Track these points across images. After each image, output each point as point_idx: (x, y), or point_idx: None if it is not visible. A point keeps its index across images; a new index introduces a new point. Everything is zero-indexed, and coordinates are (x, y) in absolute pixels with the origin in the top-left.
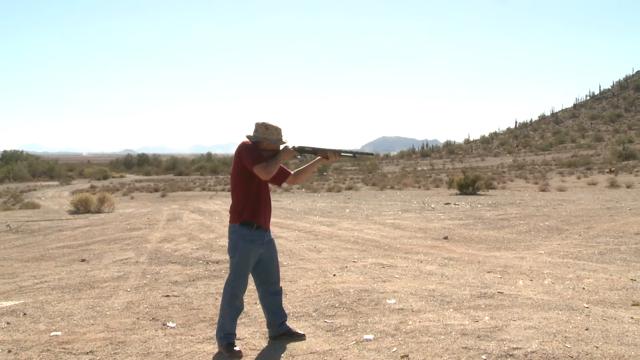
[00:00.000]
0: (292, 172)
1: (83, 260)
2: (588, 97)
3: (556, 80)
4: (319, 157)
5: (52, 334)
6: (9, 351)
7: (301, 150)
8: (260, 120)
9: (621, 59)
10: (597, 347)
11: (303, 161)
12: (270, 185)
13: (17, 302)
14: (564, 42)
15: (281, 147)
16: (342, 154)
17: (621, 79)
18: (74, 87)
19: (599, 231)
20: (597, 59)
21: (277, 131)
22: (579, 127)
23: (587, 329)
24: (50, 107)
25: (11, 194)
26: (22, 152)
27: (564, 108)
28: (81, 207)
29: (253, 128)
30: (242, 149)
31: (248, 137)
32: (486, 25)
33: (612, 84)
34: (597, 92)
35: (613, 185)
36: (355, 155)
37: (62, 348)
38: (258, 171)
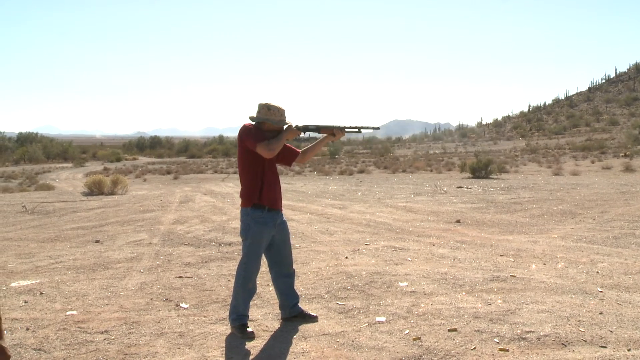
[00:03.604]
0: (300, 152)
1: (97, 242)
2: (603, 80)
3: (571, 63)
4: (325, 135)
5: (67, 313)
6: (27, 329)
7: (305, 129)
8: (263, 101)
9: (638, 42)
10: (611, 332)
11: (313, 140)
12: (280, 166)
13: (33, 282)
14: (580, 24)
15: (284, 127)
16: (347, 129)
17: (638, 61)
18: (87, 70)
19: (614, 215)
20: (613, 41)
21: (279, 112)
22: (593, 111)
23: (601, 313)
24: (65, 90)
25: (26, 176)
26: (36, 134)
27: (578, 91)
28: (95, 189)
29: (256, 109)
30: (243, 131)
31: (251, 118)
32: (499, 7)
33: (628, 67)
34: (612, 75)
35: (628, 169)
36: (360, 130)
37: (78, 327)
38: (261, 150)
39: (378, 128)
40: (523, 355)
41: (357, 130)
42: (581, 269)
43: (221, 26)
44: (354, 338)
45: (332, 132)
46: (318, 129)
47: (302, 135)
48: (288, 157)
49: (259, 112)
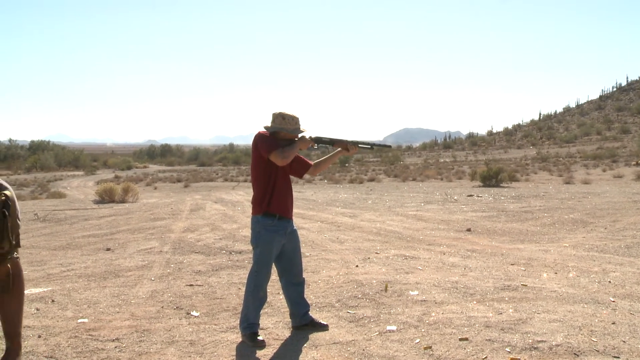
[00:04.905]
0: (312, 164)
1: (108, 249)
2: (615, 89)
3: (582, 72)
4: (339, 149)
5: (79, 320)
6: (39, 336)
7: (318, 141)
8: (277, 111)
9: None
10: (624, 342)
11: (324, 152)
12: (291, 177)
13: (45, 289)
14: (590, 32)
15: (299, 136)
16: (360, 145)
17: None
18: (99, 78)
19: (626, 224)
20: (624, 49)
21: (294, 120)
22: (604, 119)
23: (613, 323)
24: (76, 98)
25: (38, 183)
26: (48, 142)
27: (589, 100)
28: (106, 197)
29: (270, 119)
30: (258, 139)
31: (266, 127)
32: (510, 15)
33: (639, 75)
34: (624, 83)
35: None
36: (373, 147)
37: (89, 335)
38: (275, 157)
39: (390, 146)
40: None
41: (369, 147)
42: (593, 278)
43: (232, 34)
44: (365, 347)
45: (346, 146)
46: (332, 142)
47: (315, 146)
48: (300, 168)
49: (273, 121)
